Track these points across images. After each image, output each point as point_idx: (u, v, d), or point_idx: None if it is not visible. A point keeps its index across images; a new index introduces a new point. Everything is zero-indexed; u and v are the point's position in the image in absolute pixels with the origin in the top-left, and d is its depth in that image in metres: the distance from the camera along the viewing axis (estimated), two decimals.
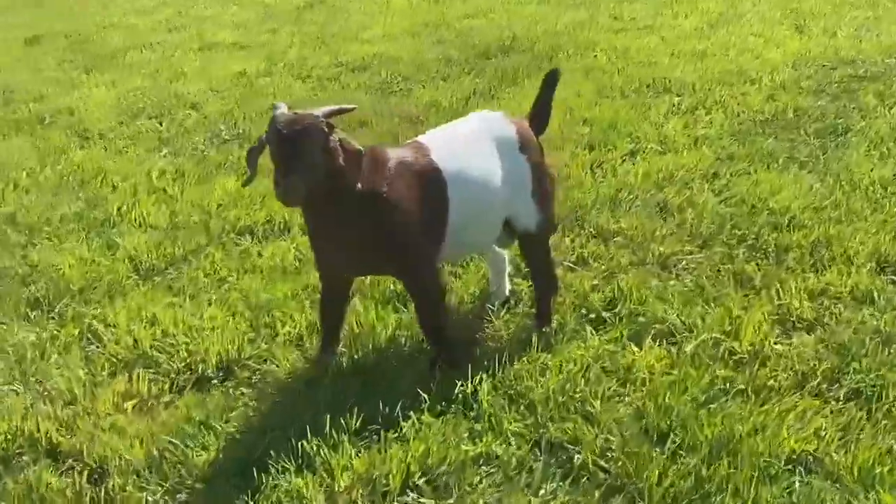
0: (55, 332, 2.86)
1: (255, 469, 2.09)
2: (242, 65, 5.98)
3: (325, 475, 2.07)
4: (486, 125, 2.59)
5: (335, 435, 2.16)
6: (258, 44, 6.66)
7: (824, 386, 2.32)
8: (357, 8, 8.11)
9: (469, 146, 2.51)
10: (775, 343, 2.52)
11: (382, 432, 2.19)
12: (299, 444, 2.13)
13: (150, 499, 2.06)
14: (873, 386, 2.29)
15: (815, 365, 2.40)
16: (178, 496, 2.08)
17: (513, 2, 7.79)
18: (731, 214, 3.31)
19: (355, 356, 2.60)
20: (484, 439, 2.18)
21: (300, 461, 2.11)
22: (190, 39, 6.92)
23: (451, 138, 2.57)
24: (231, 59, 6.24)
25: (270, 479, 2.06)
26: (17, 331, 2.87)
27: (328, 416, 2.20)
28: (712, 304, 2.73)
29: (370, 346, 2.64)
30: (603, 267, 3.01)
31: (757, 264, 2.97)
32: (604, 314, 2.71)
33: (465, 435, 2.20)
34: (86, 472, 2.14)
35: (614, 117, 4.43)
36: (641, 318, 2.67)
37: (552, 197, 2.66)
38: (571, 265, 3.04)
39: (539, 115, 2.65)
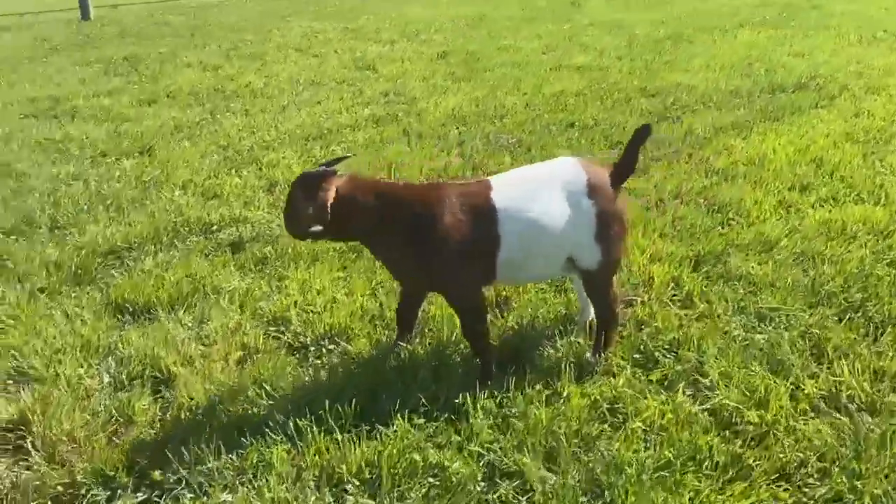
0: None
1: (249, 432, 2.50)
2: (565, 84, 7.38)
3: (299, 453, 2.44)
4: (558, 169, 2.77)
5: (331, 420, 2.50)
6: (599, 67, 8.24)
7: (810, 480, 2.34)
8: (706, 40, 9.39)
9: (534, 188, 2.70)
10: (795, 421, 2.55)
11: (364, 426, 2.50)
12: (296, 420, 2.50)
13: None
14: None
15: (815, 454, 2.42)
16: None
17: (846, 43, 8.37)
18: None
19: (421, 352, 2.97)
20: (444, 453, 2.41)
21: (289, 435, 2.47)
22: (550, 61, 8.59)
23: (519, 179, 2.80)
24: (561, 80, 7.62)
25: (258, 443, 2.45)
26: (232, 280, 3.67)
27: (327, 402, 2.54)
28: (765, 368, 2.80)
29: (440, 342, 3.03)
30: (701, 307, 3.27)
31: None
32: (659, 355, 2.91)
33: (431, 445, 2.45)
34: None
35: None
36: (686, 366, 2.83)
37: (619, 240, 2.77)
38: (668, 301, 3.32)
39: (623, 165, 2.76)
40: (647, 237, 3.96)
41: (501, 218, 2.64)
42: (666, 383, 2.80)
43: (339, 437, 2.46)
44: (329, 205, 2.54)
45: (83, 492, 2.37)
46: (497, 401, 2.66)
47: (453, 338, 3.06)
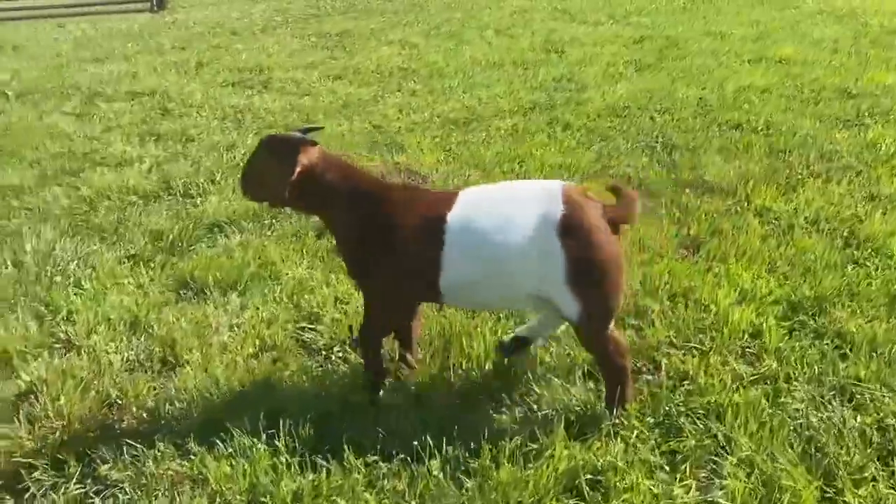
0: None
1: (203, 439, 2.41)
2: (754, 79, 6.55)
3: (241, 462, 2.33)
4: (537, 195, 2.34)
5: (283, 440, 2.37)
6: (804, 61, 7.17)
7: None
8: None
9: (501, 211, 2.34)
10: None
11: (314, 456, 2.34)
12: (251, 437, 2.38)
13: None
14: None
15: None
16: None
17: None
18: None
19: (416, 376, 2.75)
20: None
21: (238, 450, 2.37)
22: (752, 51, 7.70)
23: (489, 199, 2.43)
24: (753, 73, 6.79)
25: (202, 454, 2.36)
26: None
27: (289, 421, 2.41)
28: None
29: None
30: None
31: None
32: (685, 421, 2.46)
33: (369, 491, 2.23)
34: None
35: None
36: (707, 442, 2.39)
37: (608, 290, 2.32)
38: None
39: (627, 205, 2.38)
40: (750, 270, 3.41)
41: (449, 239, 2.34)
42: (677, 459, 2.34)
43: (281, 460, 2.33)
44: (297, 174, 2.40)
45: (35, 473, 2.39)
46: (461, 448, 2.36)
47: (452, 363, 2.81)
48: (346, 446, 2.36)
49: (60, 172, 5.11)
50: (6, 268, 3.74)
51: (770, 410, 2.51)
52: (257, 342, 3.05)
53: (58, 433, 2.57)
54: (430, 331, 3.01)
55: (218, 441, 2.42)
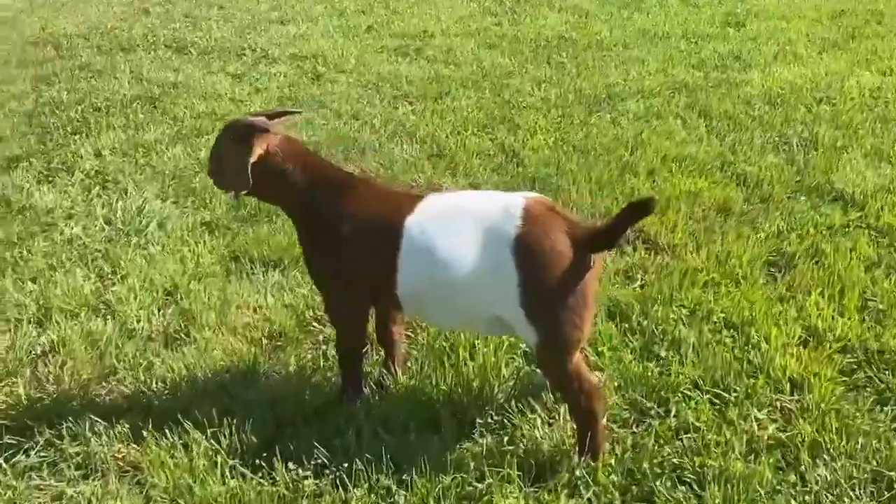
0: None
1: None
2: None
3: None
4: (499, 207, 2.14)
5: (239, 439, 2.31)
6: None
7: None
8: None
9: (461, 221, 2.16)
10: None
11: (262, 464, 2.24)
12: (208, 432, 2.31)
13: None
14: None
15: None
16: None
17: None
18: None
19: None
20: None
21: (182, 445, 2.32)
22: None
23: (453, 206, 2.27)
24: None
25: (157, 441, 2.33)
26: None
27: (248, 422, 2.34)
28: None
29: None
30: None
31: None
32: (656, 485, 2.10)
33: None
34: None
35: None
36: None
37: (558, 318, 2.07)
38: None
39: (603, 234, 2.10)
40: (833, 305, 2.84)
41: (405, 245, 2.18)
42: None
43: (218, 460, 2.24)
44: (251, 164, 2.28)
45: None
46: (395, 478, 2.17)
47: (440, 378, 2.58)
48: (279, 457, 2.23)
49: (191, 133, 5.35)
50: (96, 225, 3.98)
51: (770, 488, 2.07)
52: (270, 327, 3.00)
53: (49, 399, 2.66)
54: (429, 341, 2.80)
55: (167, 430, 2.39)
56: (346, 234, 2.27)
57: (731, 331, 2.75)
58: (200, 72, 7.01)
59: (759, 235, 3.43)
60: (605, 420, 2.25)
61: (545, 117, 5.19)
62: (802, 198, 3.74)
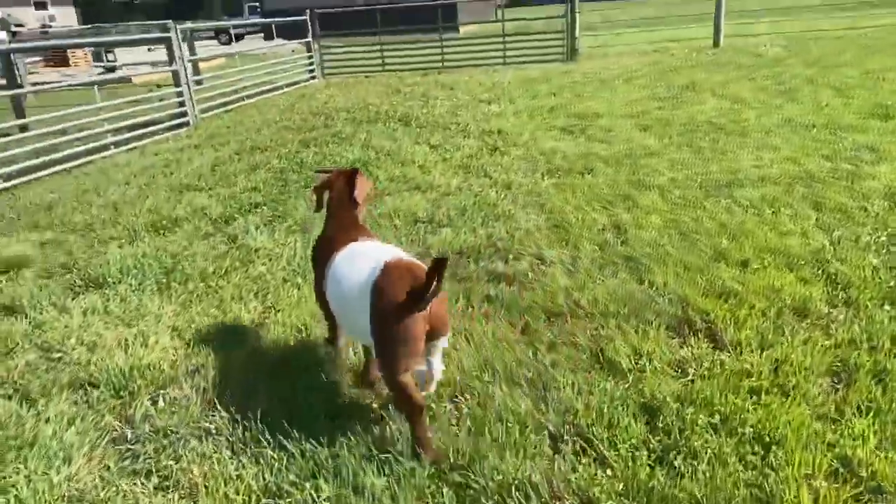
0: None
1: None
2: None
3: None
4: (375, 259, 2.23)
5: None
6: None
7: None
8: None
9: (361, 260, 2.29)
10: None
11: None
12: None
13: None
14: None
15: None
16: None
17: None
18: None
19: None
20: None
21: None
22: None
23: (361, 251, 2.38)
24: None
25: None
26: None
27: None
28: None
29: None
30: None
31: None
32: None
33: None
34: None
35: None
36: None
37: (387, 346, 2.12)
38: None
39: (418, 292, 2.06)
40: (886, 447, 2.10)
41: (329, 273, 2.44)
42: None
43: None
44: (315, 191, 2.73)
45: None
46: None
47: None
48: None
49: (381, 193, 5.40)
50: (279, 264, 4.08)
51: None
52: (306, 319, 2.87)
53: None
54: None
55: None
56: (316, 250, 2.64)
57: (758, 447, 2.13)
58: (410, 142, 7.11)
59: (828, 342, 2.69)
60: (426, 423, 2.24)
61: (665, 198, 4.58)
62: (887, 307, 2.88)
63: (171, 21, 9.91)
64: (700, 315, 2.97)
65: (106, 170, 7.00)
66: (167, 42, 9.13)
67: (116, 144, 7.96)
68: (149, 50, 19.52)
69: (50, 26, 26.24)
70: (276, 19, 15.89)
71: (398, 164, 6.12)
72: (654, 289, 3.27)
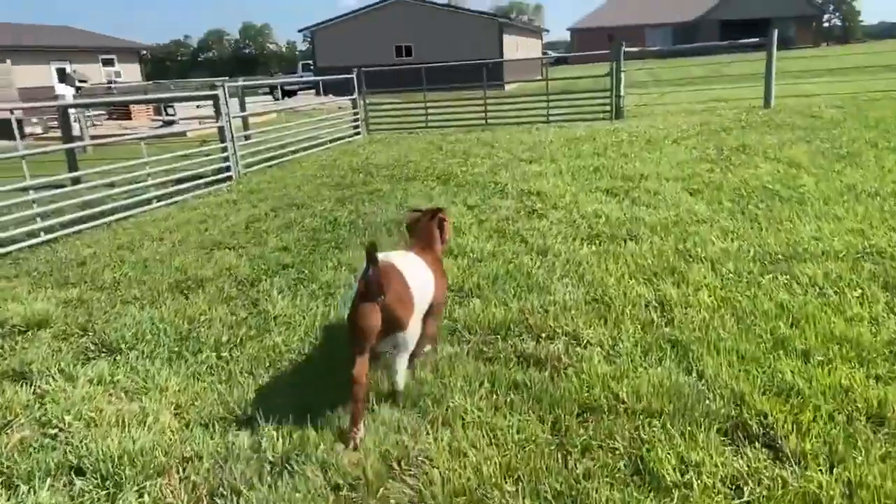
0: None
1: None
2: None
3: None
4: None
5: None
6: None
7: None
8: None
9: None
10: None
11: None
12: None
13: None
14: None
15: None
16: None
17: None
18: None
19: None
20: None
21: None
22: None
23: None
24: None
25: None
26: None
27: None
28: None
29: None
30: None
31: None
32: None
33: None
34: None
35: None
36: None
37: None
38: None
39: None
40: None
41: None
42: None
43: None
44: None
45: None
46: None
47: None
48: None
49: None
50: (296, 335, 3.86)
51: None
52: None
53: None
54: None
55: None
56: None
57: None
58: (448, 201, 6.93)
59: None
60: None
61: (716, 272, 4.21)
62: None
63: (221, 79, 10.16)
64: (757, 417, 2.59)
65: (145, 224, 7.03)
66: (215, 99, 9.33)
67: (159, 198, 8.04)
68: (197, 107, 20.21)
69: (115, 82, 27.71)
70: (322, 77, 16.30)
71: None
72: (703, 381, 2.89)
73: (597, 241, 5.10)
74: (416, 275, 2.75)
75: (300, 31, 40.40)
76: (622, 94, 13.13)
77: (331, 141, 13.02)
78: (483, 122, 14.20)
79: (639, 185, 6.88)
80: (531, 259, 4.76)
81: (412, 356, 2.88)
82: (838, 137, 8.53)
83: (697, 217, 5.51)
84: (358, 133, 14.20)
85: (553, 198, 6.67)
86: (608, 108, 13.35)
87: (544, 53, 62.63)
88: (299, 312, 4.08)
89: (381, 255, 2.63)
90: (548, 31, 77.55)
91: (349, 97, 14.66)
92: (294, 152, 11.64)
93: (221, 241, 5.96)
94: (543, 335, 3.52)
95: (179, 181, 8.69)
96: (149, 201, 7.93)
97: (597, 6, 76.69)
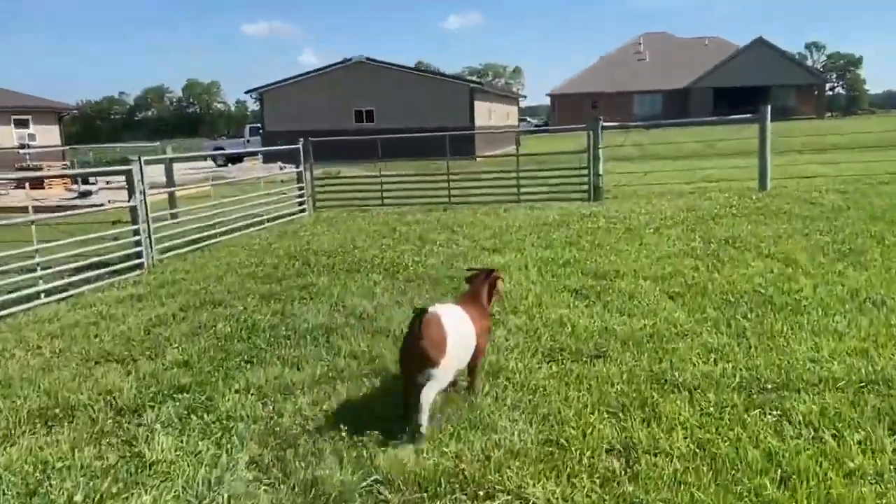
0: None
1: None
2: None
3: None
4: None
5: None
6: None
7: None
8: None
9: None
10: None
11: None
12: None
13: None
14: None
15: None
16: None
17: None
18: None
19: None
20: None
21: None
22: None
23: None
24: None
25: None
26: None
27: None
28: None
29: None
30: None
31: None
32: None
33: None
34: None
35: None
36: None
37: None
38: None
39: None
40: None
41: None
42: None
43: None
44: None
45: None
46: None
47: None
48: None
49: (337, 376, 4.89)
50: (172, 493, 3.51)
51: None
52: None
53: None
54: None
55: None
56: None
57: None
58: (392, 302, 6.72)
59: None
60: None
61: (694, 405, 4.01)
62: None
63: (150, 145, 10.02)
64: None
65: (24, 327, 6.64)
66: (128, 175, 9.14)
67: (49, 292, 7.67)
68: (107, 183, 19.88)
69: (28, 145, 27.54)
70: (260, 149, 16.34)
71: (367, 335, 5.66)
72: None
73: (559, 359, 4.90)
74: (454, 325, 3.86)
75: (247, 92, 41.06)
76: (601, 172, 13.33)
77: (270, 220, 12.87)
78: (447, 199, 14.24)
79: (613, 284, 6.77)
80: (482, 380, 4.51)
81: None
82: (840, 230, 8.64)
83: (677, 329, 5.37)
84: (303, 210, 14.11)
85: (514, 299, 6.51)
86: (586, 187, 13.51)
87: (521, 121, 64.56)
88: (184, 457, 3.74)
89: (430, 307, 3.85)
90: (524, 96, 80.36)
91: (294, 168, 14.66)
92: (225, 233, 11.43)
93: (111, 351, 5.62)
94: (481, 493, 3.24)
95: (78, 270, 8.36)
96: (37, 295, 7.56)
97: (580, 69, 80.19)
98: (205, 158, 31.79)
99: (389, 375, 4.68)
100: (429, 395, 3.70)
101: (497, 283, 4.42)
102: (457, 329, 3.86)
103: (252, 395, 4.57)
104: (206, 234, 10.96)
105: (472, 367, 4.22)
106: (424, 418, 3.70)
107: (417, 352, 3.67)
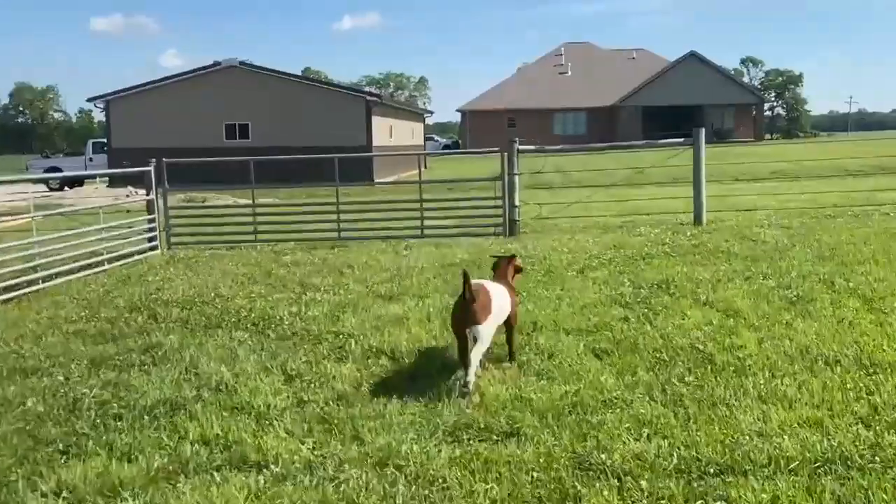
0: None
1: None
2: None
3: None
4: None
5: None
6: None
7: None
8: None
9: None
10: None
11: None
12: None
13: None
14: None
15: None
16: None
17: None
18: None
19: None
20: None
21: None
22: None
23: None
24: None
25: None
26: None
27: None
28: None
29: None
30: None
31: None
32: None
33: None
34: None
35: None
36: None
37: None
38: None
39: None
40: None
41: None
42: None
43: None
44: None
45: None
46: None
47: None
48: None
49: (173, 473, 4.51)
50: None
51: None
52: None
53: None
54: None
55: None
56: None
57: None
58: (257, 367, 6.35)
59: None
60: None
61: (624, 497, 3.88)
62: None
63: None
64: None
65: None
66: None
67: None
68: None
69: None
70: (98, 171, 15.67)
71: (224, 412, 5.29)
72: None
73: (463, 439, 4.69)
74: (495, 293, 5.77)
75: (89, 100, 39.76)
76: (517, 203, 13.42)
77: (111, 260, 12.19)
78: (335, 234, 13.96)
79: (529, 340, 6.67)
80: (363, 478, 4.23)
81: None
82: (786, 272, 8.92)
83: (604, 396, 5.27)
84: (154, 248, 13.47)
85: (413, 360, 6.30)
86: (500, 220, 13.56)
87: (428, 139, 65.22)
88: None
89: (474, 280, 5.62)
90: (431, 112, 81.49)
91: (144, 196, 14.03)
92: (50, 278, 10.71)
93: None
94: None
95: None
96: None
97: (494, 83, 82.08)
98: (34, 181, 30.22)
99: (240, 471, 4.32)
100: (476, 354, 5.43)
101: (515, 264, 6.67)
102: (497, 296, 5.71)
103: (64, 499, 4.12)
104: (22, 279, 10.22)
105: (509, 337, 6.14)
106: (472, 373, 5.38)
107: (468, 313, 5.40)
